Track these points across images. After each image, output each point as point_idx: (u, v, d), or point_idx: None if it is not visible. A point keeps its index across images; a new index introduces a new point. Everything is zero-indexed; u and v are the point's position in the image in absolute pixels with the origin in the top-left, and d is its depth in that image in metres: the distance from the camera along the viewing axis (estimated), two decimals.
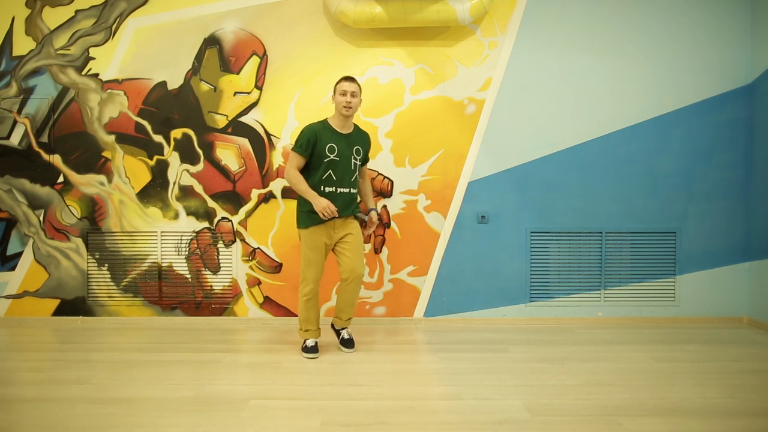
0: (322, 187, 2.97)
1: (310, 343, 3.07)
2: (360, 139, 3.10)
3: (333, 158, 2.95)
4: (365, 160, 3.19)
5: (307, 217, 2.99)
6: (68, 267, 3.84)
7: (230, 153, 3.81)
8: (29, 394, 2.45)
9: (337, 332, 3.25)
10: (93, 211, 3.83)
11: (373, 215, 3.17)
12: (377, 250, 3.79)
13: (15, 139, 3.82)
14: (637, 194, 3.79)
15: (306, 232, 3.01)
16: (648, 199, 3.79)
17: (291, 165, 2.98)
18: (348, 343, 3.14)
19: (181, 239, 3.83)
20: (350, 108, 2.95)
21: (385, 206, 3.79)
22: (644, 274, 3.81)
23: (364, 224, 3.17)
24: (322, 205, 2.88)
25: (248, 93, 3.79)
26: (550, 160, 3.78)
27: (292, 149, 2.98)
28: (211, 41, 3.79)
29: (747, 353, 3.07)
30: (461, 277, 3.82)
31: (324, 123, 3.03)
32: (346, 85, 2.95)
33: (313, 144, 2.94)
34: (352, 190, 3.06)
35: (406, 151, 3.78)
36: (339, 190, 2.99)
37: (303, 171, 3.01)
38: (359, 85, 3.01)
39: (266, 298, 3.82)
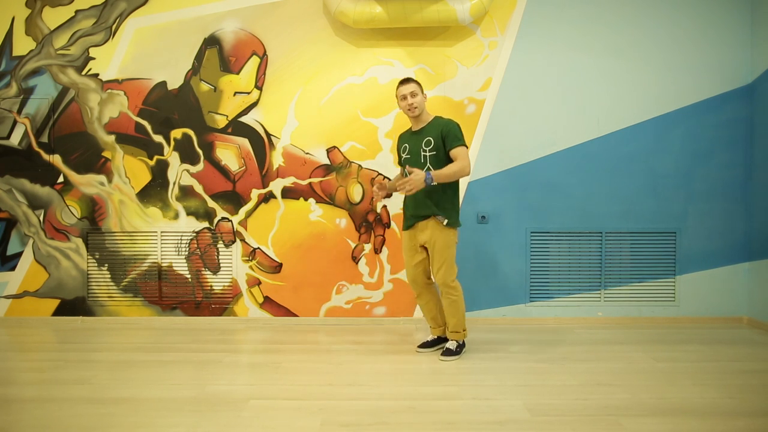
0: None
1: (430, 336, 3.19)
2: (432, 130, 2.92)
3: (406, 157, 3.03)
4: (445, 148, 2.87)
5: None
6: (68, 267, 3.84)
7: (230, 153, 3.81)
8: (29, 394, 2.45)
9: (444, 341, 3.15)
10: (93, 211, 3.83)
11: (418, 172, 2.75)
12: (377, 250, 3.79)
13: (15, 139, 3.82)
14: (637, 194, 3.79)
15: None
16: (648, 199, 3.79)
17: None
18: (446, 352, 2.97)
19: (181, 239, 3.83)
20: (415, 108, 2.90)
21: (385, 206, 3.79)
22: (644, 274, 3.80)
23: (441, 222, 2.95)
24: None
25: (248, 93, 3.79)
26: (550, 160, 3.78)
27: None
28: (211, 41, 3.79)
29: (747, 353, 3.07)
30: (461, 277, 3.78)
31: (409, 128, 3.09)
32: (403, 89, 2.91)
33: (398, 150, 3.12)
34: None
35: None
36: None
37: None
38: (417, 82, 2.92)
39: (266, 298, 3.82)
